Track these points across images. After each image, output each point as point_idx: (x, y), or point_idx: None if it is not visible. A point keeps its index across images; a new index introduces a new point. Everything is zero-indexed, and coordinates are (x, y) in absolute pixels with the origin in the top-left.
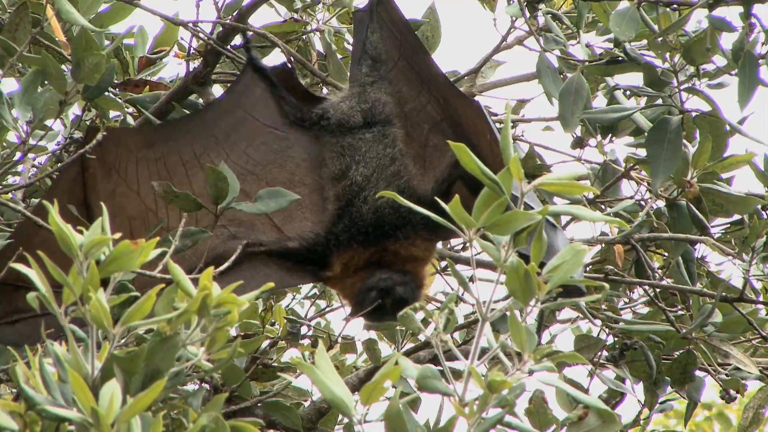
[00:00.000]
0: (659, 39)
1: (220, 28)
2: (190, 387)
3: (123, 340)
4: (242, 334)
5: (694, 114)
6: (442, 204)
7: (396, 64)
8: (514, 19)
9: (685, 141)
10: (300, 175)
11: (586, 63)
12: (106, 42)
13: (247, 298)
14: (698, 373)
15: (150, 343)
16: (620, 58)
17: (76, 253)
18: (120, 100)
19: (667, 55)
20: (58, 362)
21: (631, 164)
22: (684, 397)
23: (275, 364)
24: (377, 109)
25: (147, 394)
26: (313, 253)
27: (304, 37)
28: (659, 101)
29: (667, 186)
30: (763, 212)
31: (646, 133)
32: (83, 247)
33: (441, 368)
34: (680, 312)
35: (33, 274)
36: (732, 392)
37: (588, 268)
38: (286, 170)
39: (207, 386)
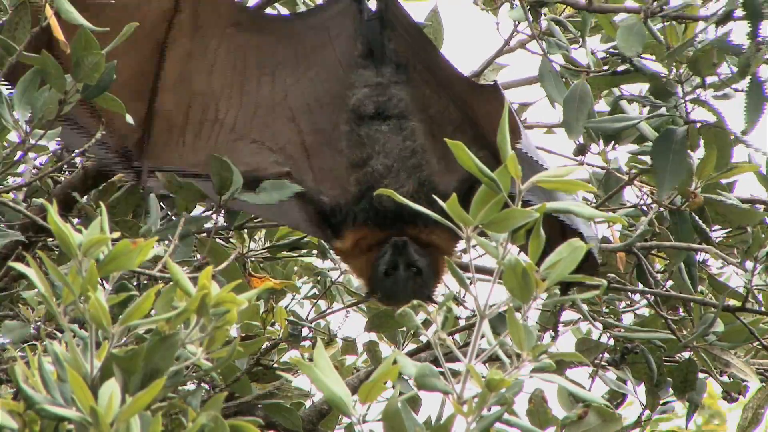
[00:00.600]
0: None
1: None
2: (190, 386)
3: (124, 340)
4: (243, 335)
5: (698, 125)
6: (440, 201)
7: (415, 69)
8: (516, 23)
9: (689, 151)
10: (336, 136)
11: (591, 74)
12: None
13: (246, 297)
14: (699, 375)
15: (149, 343)
16: (626, 68)
17: (74, 252)
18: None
19: (673, 66)
20: (57, 361)
21: (635, 173)
22: (685, 403)
23: (276, 366)
24: (392, 104)
25: (146, 394)
26: (332, 216)
27: None
28: (664, 111)
29: (670, 195)
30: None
31: (650, 143)
32: (82, 246)
33: (441, 369)
34: (682, 314)
35: (32, 273)
36: (733, 394)
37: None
38: (329, 126)
39: (207, 386)
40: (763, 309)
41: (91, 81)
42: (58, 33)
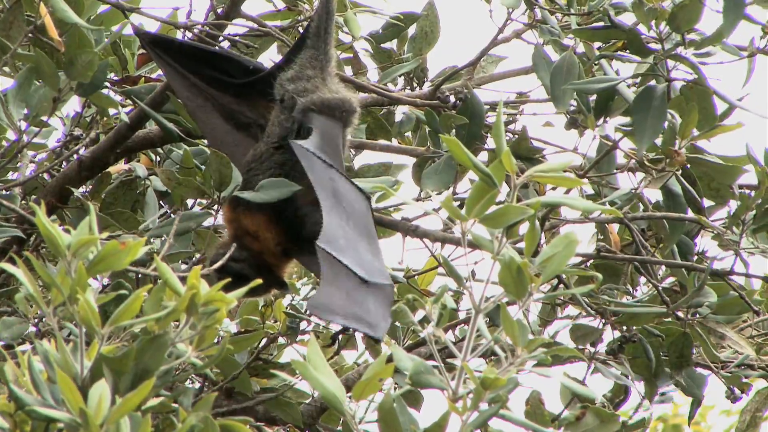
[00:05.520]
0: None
1: (213, 17)
2: (187, 384)
3: (119, 339)
4: (242, 330)
5: (681, 84)
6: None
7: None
8: (510, 10)
9: (672, 111)
10: None
11: (574, 28)
12: (106, 40)
13: (236, 295)
14: (701, 371)
15: (139, 343)
16: (605, 24)
17: (63, 253)
18: (115, 97)
19: (653, 23)
20: (47, 362)
21: (621, 136)
22: (684, 385)
23: (275, 361)
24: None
25: (135, 394)
26: None
27: (299, 28)
28: (645, 69)
29: (653, 156)
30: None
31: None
32: (71, 247)
33: (437, 364)
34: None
35: (20, 273)
36: (737, 391)
37: (587, 264)
38: None
39: (206, 383)
40: (750, 272)
41: (85, 79)
42: (53, 31)
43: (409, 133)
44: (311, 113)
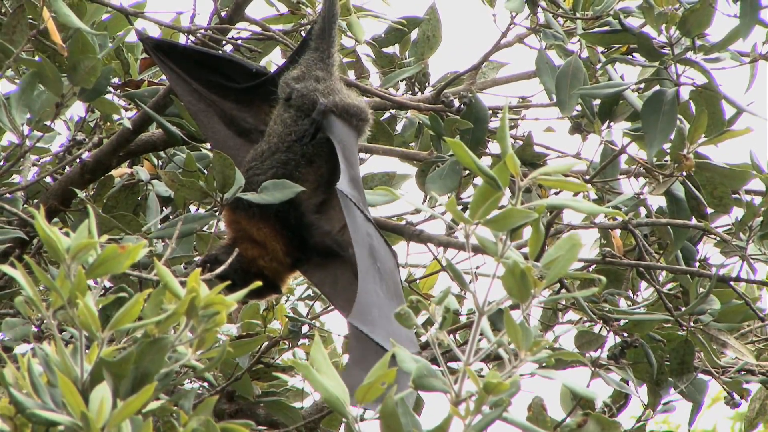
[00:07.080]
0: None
1: (217, 21)
2: (188, 386)
3: (123, 341)
4: (244, 333)
5: (691, 88)
6: (436, 195)
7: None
8: (513, 14)
9: (681, 116)
10: None
11: (582, 32)
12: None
13: (235, 297)
14: (702, 376)
15: (138, 346)
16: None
17: (62, 256)
18: (118, 101)
19: (663, 27)
20: (46, 365)
21: (628, 141)
22: (684, 392)
23: (276, 363)
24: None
25: (137, 398)
26: None
27: (303, 32)
28: (652, 73)
29: (662, 162)
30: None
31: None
32: (70, 251)
33: (441, 368)
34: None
35: (19, 276)
36: (737, 397)
37: (590, 269)
38: None
39: (206, 386)
40: (756, 279)
41: (88, 84)
42: (55, 36)
43: (413, 143)
44: (331, 116)
